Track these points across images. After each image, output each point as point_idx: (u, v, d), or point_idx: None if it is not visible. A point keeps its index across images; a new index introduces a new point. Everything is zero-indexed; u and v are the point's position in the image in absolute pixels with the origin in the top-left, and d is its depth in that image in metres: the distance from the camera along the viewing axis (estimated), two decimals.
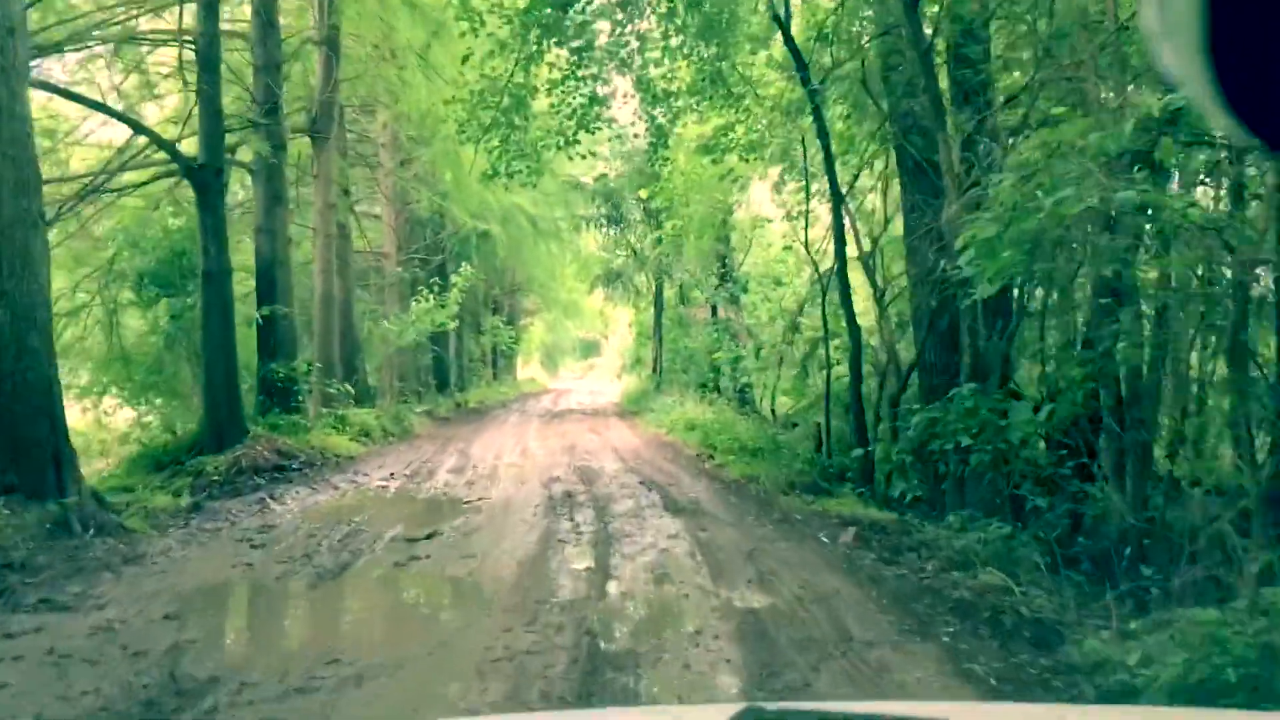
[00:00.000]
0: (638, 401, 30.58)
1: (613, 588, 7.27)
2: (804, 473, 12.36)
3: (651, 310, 35.01)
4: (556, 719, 4.06)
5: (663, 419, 22.91)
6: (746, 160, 14.43)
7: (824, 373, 14.57)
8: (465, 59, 12.98)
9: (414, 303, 20.44)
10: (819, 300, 17.85)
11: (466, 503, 12.04)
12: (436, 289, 20.36)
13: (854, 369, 11.88)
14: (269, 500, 11.58)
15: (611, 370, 51.41)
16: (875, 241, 13.57)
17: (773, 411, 22.61)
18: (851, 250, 13.88)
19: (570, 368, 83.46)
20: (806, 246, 14.53)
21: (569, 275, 40.19)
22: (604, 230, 31.06)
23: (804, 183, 14.24)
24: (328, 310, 18.45)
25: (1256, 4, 0.76)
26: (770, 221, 19.17)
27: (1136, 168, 6.69)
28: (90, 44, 14.04)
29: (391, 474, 14.63)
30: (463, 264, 20.85)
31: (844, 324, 15.16)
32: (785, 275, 26.35)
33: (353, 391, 17.74)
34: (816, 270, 14.43)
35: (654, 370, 30.94)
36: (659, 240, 24.54)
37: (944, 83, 12.63)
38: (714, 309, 28.29)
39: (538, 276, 42.04)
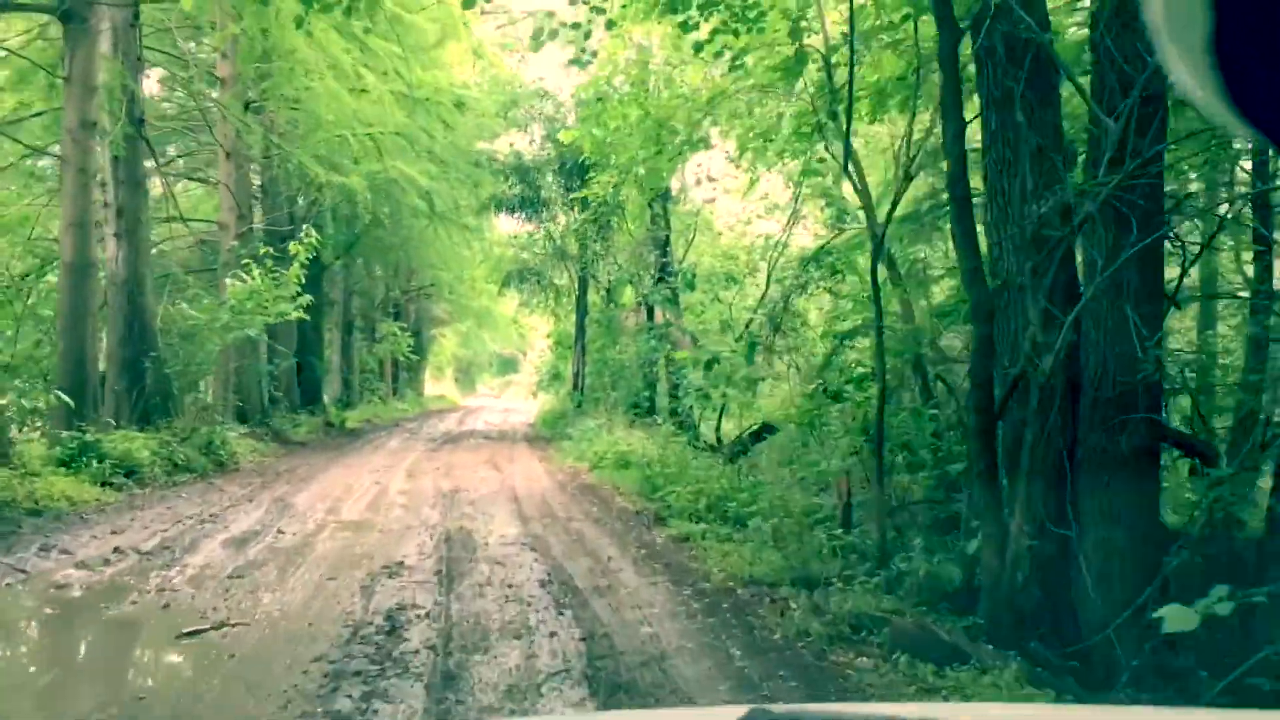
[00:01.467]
0: (554, 424, 24.30)
1: None
2: (851, 577, 6.24)
3: (573, 316, 28.79)
4: None
5: (584, 449, 16.73)
6: (740, 34, 8.24)
7: (859, 385, 8.47)
8: None
9: (229, 282, 13.88)
10: (828, 266, 11.98)
11: (186, 635, 5.70)
12: (270, 262, 13.85)
13: (980, 375, 5.67)
14: None
15: (530, 387, 44.91)
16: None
17: (719, 439, 16.94)
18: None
19: (488, 385, 76.62)
20: (847, 162, 8.32)
21: (480, 277, 33.72)
22: (517, 216, 24.81)
23: (850, 59, 8.02)
24: (79, 285, 11.86)
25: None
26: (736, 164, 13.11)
27: None
28: None
29: (117, 549, 8.20)
30: (305, 227, 14.39)
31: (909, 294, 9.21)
32: (738, 271, 20.64)
33: (69, 404, 11.05)
34: (866, 196, 8.14)
35: (575, 387, 24.71)
36: (584, 204, 18.41)
37: None
38: (649, 312, 22.23)
39: (444, 278, 35.52)
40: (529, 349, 60.83)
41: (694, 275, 20.31)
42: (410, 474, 14.69)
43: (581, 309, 25.00)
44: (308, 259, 14.38)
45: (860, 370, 8.40)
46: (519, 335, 45.24)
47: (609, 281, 25.82)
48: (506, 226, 34.05)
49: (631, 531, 9.54)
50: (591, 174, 15.49)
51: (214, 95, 17.72)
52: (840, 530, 7.76)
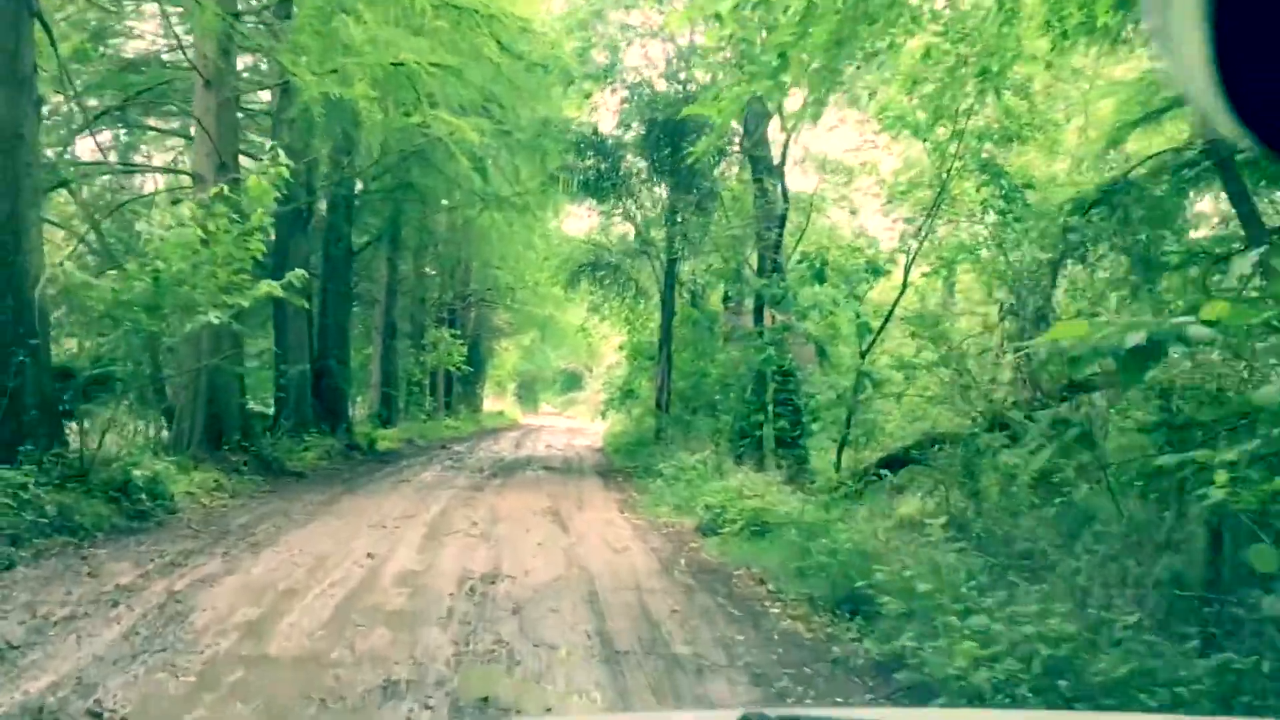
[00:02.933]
0: (633, 453, 18.97)
1: None
2: None
3: (650, 323, 23.53)
4: None
5: (687, 496, 11.42)
6: None
7: None
8: None
9: (145, 230, 8.62)
10: None
11: None
12: (222, 206, 8.65)
13: None
14: None
15: (595, 405, 39.57)
16: None
17: (839, 472, 11.91)
18: None
19: (551, 403, 71.26)
20: None
21: (544, 279, 28.50)
22: (587, 205, 19.51)
23: None
24: None
25: (1262, 9, 0.71)
26: None
27: None
28: None
29: None
30: (270, 146, 9.21)
31: None
32: (884, 259, 15.47)
33: None
34: None
35: (658, 406, 19.32)
36: (676, 172, 13.36)
37: None
38: (757, 313, 16.87)
39: (504, 280, 30.52)
40: (596, 364, 55.59)
41: (824, 264, 14.88)
42: (431, 534, 9.43)
43: (668, 310, 19.65)
44: (278, 202, 9.22)
45: None
46: (587, 346, 39.86)
47: (697, 278, 20.54)
48: (574, 226, 29.07)
49: None
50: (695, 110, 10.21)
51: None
52: None
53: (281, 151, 9.17)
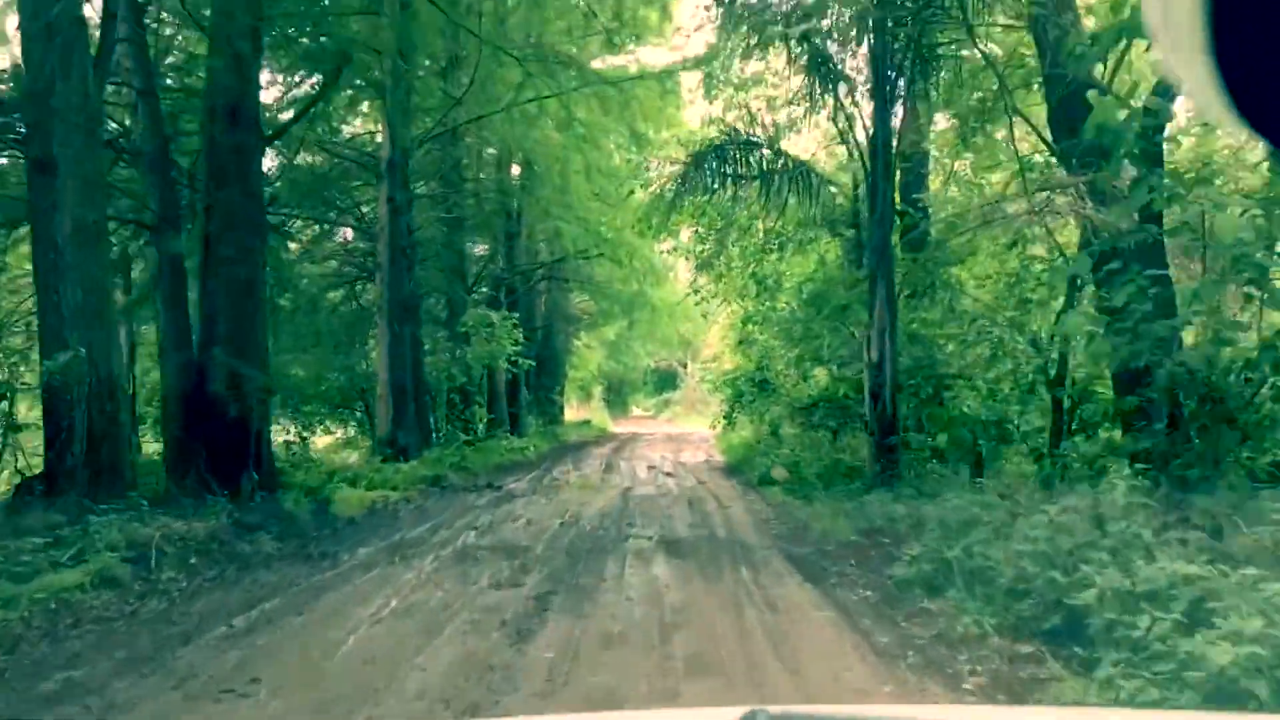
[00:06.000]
0: (833, 488, 8.93)
1: None
2: None
3: (800, 269, 13.62)
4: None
5: None
6: None
7: None
8: None
9: None
10: None
11: None
12: None
13: None
14: None
15: (708, 408, 29.41)
16: None
17: None
18: None
19: (642, 406, 60.74)
20: None
21: (629, 220, 18.64)
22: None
23: None
24: None
25: (1260, 1, 0.68)
26: None
27: None
28: None
29: None
30: None
31: None
32: None
33: None
34: None
35: (875, 399, 9.19)
36: None
37: None
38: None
39: (566, 229, 20.63)
40: (692, 356, 45.47)
41: None
42: None
43: (884, 217, 9.49)
44: None
45: None
46: (682, 334, 29.50)
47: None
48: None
49: None
50: None
51: None
52: None
53: None
